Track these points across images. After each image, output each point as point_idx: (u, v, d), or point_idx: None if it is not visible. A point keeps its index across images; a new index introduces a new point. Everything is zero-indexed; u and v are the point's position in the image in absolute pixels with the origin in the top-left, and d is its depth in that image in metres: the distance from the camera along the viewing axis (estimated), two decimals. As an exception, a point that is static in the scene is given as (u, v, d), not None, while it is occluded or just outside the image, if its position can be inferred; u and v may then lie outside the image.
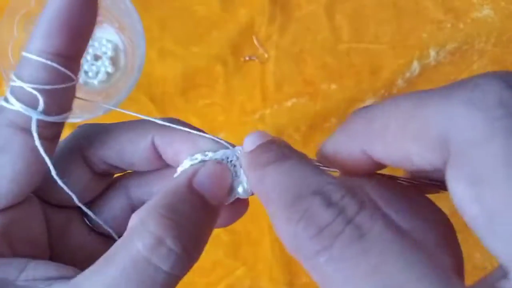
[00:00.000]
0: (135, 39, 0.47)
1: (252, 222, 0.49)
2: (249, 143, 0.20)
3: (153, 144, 0.23)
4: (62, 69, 0.19)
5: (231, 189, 0.22)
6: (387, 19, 0.50)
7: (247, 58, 0.50)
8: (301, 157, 0.18)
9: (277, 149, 0.19)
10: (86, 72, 0.50)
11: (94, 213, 0.24)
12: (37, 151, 0.20)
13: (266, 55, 0.50)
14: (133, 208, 0.25)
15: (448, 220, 0.19)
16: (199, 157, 0.22)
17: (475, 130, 0.14)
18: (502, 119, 0.13)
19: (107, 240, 0.25)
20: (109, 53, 0.49)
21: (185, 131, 0.22)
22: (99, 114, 0.43)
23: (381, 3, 0.50)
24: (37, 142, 0.20)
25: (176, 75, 0.50)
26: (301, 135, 0.49)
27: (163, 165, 0.24)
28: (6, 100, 0.19)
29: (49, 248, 0.23)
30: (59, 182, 0.21)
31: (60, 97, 0.20)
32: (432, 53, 0.49)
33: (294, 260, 0.48)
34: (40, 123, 0.19)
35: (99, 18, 0.50)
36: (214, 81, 0.50)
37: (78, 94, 0.50)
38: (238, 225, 0.49)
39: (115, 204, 0.25)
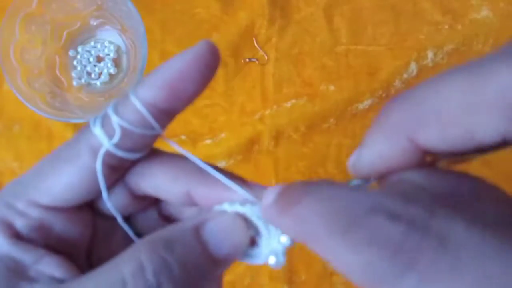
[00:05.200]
0: (137, 41, 0.45)
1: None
2: (269, 197, 0.17)
3: (188, 191, 0.22)
4: (151, 120, 0.20)
5: (252, 247, 0.20)
6: (385, 21, 0.48)
7: (247, 60, 0.48)
8: (331, 182, 0.15)
9: (302, 184, 0.16)
10: (89, 74, 0.47)
11: (130, 223, 0.24)
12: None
13: (265, 57, 0.48)
14: (164, 220, 0.25)
15: (504, 193, 0.16)
16: (227, 207, 0.20)
17: None
18: None
19: None
20: (112, 54, 0.47)
21: (222, 183, 0.21)
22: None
23: (379, 6, 0.48)
24: (98, 167, 0.20)
25: (177, 77, 0.47)
26: (300, 135, 0.47)
27: (195, 205, 0.23)
28: (95, 122, 0.20)
29: (89, 251, 0.23)
30: (109, 205, 0.22)
31: (138, 139, 0.20)
32: (430, 54, 0.47)
33: (294, 258, 0.46)
34: (109, 153, 0.20)
35: (102, 21, 0.47)
36: (214, 82, 0.48)
37: (81, 95, 0.48)
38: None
39: (148, 216, 0.25)
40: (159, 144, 0.22)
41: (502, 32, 0.47)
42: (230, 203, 0.20)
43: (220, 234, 0.19)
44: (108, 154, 0.20)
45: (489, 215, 0.14)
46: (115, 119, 0.19)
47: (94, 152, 0.20)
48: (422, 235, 0.12)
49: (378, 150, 0.16)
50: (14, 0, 0.40)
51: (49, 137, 0.48)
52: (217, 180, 0.20)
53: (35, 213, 0.21)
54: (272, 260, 0.19)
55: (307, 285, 0.46)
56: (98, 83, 0.47)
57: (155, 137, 0.21)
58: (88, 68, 0.47)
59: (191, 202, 0.22)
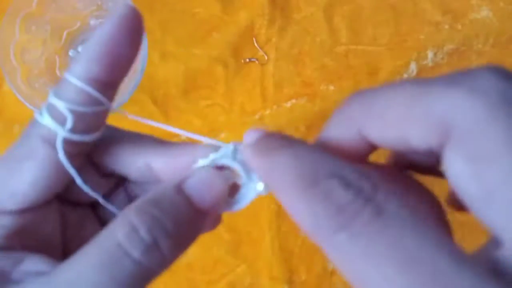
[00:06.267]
0: (137, 41, 0.44)
1: (253, 221, 0.47)
2: (249, 137, 0.19)
3: (148, 164, 0.22)
4: (97, 94, 0.19)
5: (234, 195, 0.21)
6: (385, 21, 0.48)
7: (247, 60, 0.48)
8: (306, 143, 0.18)
9: (281, 137, 0.18)
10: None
11: (102, 210, 0.24)
12: (59, 163, 0.20)
13: (265, 57, 0.48)
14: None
15: (436, 199, 0.19)
16: (202, 162, 0.21)
17: (476, 115, 0.14)
18: (500, 105, 0.14)
19: None
20: (112, 55, 0.47)
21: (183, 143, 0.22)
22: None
23: (379, 6, 0.48)
24: (61, 156, 0.20)
25: (177, 77, 0.48)
26: (300, 135, 0.47)
27: (157, 180, 0.23)
28: (41, 114, 0.20)
29: (63, 244, 0.23)
30: (86, 189, 0.22)
31: (90, 119, 0.20)
32: (430, 54, 0.47)
33: (294, 258, 0.46)
34: (66, 140, 0.20)
35: (102, 21, 0.47)
36: (215, 82, 0.48)
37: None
38: (239, 224, 0.47)
39: (119, 200, 0.25)
40: (129, 124, 0.23)
41: (502, 32, 0.47)
42: (203, 158, 0.21)
43: (201, 187, 0.20)
44: (65, 141, 0.20)
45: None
46: (61, 105, 0.19)
47: (50, 143, 0.20)
48: (365, 202, 0.15)
49: (333, 135, 0.19)
50: (14, 0, 0.40)
51: (49, 137, 0.48)
52: (175, 151, 0.22)
53: (3, 221, 0.20)
54: (260, 187, 0.20)
55: (307, 285, 0.46)
56: (98, 83, 0.47)
57: (106, 112, 0.21)
58: (88, 68, 0.47)
59: (154, 177, 0.22)
